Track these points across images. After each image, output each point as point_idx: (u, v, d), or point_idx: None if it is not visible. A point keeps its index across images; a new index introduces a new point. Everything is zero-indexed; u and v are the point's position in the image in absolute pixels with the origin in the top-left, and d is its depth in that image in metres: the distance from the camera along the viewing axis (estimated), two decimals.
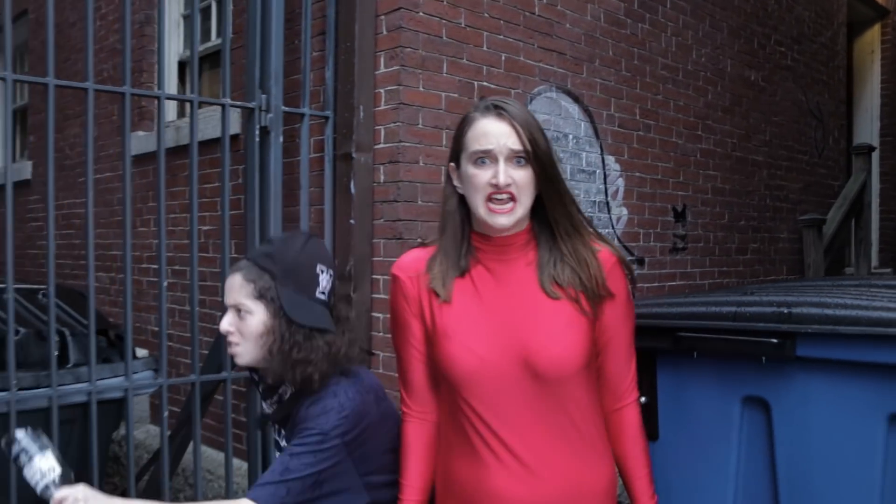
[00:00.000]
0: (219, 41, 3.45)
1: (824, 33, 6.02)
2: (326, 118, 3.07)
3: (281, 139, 2.93)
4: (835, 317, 1.95)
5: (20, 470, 1.66)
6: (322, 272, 1.79)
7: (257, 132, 2.89)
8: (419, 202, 3.04)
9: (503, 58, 3.31)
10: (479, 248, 1.65)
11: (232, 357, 1.80)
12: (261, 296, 1.72)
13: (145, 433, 4.35)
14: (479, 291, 1.64)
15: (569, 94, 3.60)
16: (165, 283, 2.77)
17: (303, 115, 2.99)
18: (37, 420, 2.56)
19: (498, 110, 1.57)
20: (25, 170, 6.09)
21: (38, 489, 1.64)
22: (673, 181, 4.29)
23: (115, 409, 2.97)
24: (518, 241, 1.64)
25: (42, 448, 1.68)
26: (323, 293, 1.79)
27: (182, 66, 4.66)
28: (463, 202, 1.64)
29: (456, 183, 1.64)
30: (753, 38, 5.02)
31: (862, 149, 6.21)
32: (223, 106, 2.85)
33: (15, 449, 1.68)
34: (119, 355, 2.98)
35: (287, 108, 2.95)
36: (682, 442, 2.32)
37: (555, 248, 1.63)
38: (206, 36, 4.54)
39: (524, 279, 1.63)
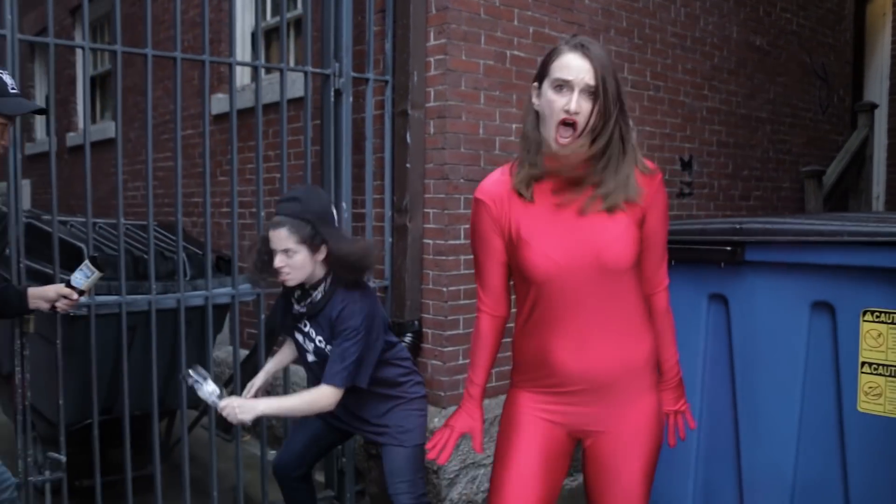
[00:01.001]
0: (283, 12, 4.09)
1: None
2: (386, 82, 3.77)
3: (350, 99, 3.63)
4: (773, 230, 2.63)
5: (194, 392, 2.53)
6: (335, 209, 2.68)
7: (332, 94, 3.60)
8: (461, 149, 3.74)
9: (531, 30, 3.97)
10: (550, 164, 1.93)
11: (283, 282, 2.60)
12: (303, 241, 2.49)
13: (227, 353, 5.13)
14: (553, 201, 1.95)
15: None
16: (237, 224, 3.51)
17: (367, 79, 3.68)
18: (166, 318, 3.35)
19: (583, 49, 1.82)
20: (109, 129, 6.84)
21: (209, 403, 2.52)
22: (680, 135, 4.92)
23: (222, 314, 3.74)
24: (584, 162, 1.91)
25: (205, 377, 2.52)
26: (338, 223, 2.69)
27: (253, 36, 5.35)
28: (538, 120, 1.90)
29: (535, 101, 1.90)
30: (759, 6, 5.57)
31: (864, 106, 6.73)
32: (305, 73, 3.56)
33: (190, 381, 2.52)
34: (224, 275, 3.74)
35: (355, 74, 3.65)
36: None
37: (612, 168, 1.90)
38: (275, 10, 5.23)
39: (587, 191, 1.93)
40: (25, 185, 8.29)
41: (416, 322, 3.77)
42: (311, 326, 2.66)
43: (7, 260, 3.48)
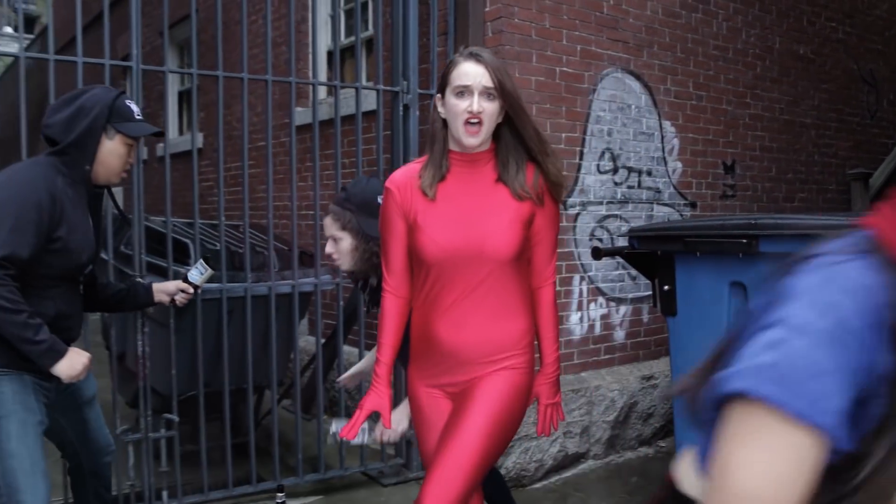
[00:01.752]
0: (357, 37, 4.60)
1: (881, 6, 6.74)
2: None
3: (417, 113, 4.12)
4: (782, 224, 3.01)
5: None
6: (380, 199, 2.63)
7: (401, 109, 4.10)
8: None
9: (578, 48, 4.40)
10: (454, 161, 2.17)
11: (337, 267, 2.93)
12: (344, 227, 2.59)
13: (304, 342, 5.67)
14: (451, 193, 2.16)
15: (631, 73, 4.66)
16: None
17: (431, 95, 4.17)
18: (259, 304, 3.87)
19: (477, 57, 2.09)
20: (197, 140, 7.48)
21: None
22: (723, 140, 5.28)
23: (305, 301, 4.26)
24: (482, 157, 2.17)
25: (368, 429, 2.55)
26: None
27: (329, 55, 5.90)
28: (445, 126, 2.14)
29: (441, 110, 2.15)
30: (802, 16, 5.87)
31: None
32: (378, 90, 4.07)
33: (357, 440, 2.50)
34: (307, 268, 4.27)
35: (421, 91, 4.13)
36: (692, 315, 3.40)
37: (511, 165, 2.16)
38: (349, 31, 5.77)
39: (484, 187, 2.17)
40: (118, 191, 9.04)
41: None
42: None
43: (123, 255, 4.08)
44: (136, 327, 3.58)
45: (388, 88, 4.11)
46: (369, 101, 4.43)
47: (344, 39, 5.92)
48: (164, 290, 3.12)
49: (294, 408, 4.17)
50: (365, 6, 5.37)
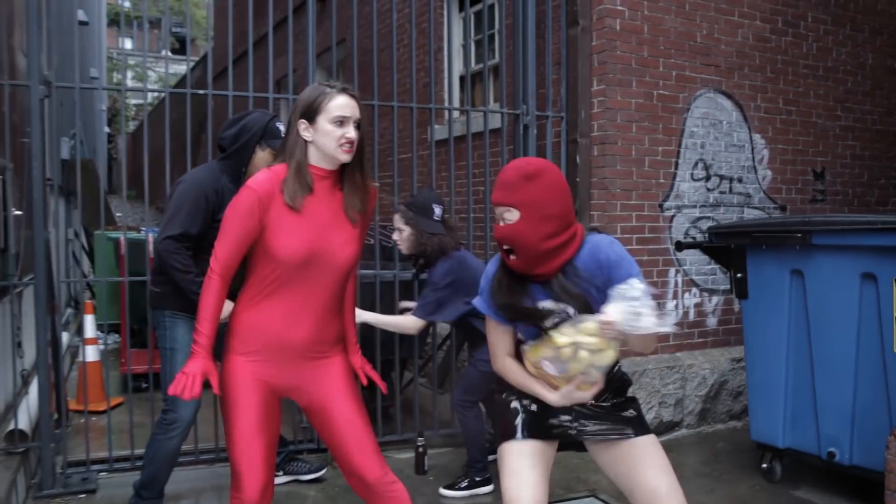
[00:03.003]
0: (485, 65, 5.48)
1: None
2: (562, 117, 5.07)
3: (535, 131, 4.96)
4: (831, 221, 3.68)
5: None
6: (435, 206, 3.97)
7: (522, 128, 4.95)
8: (617, 167, 4.97)
9: (674, 73, 5.13)
10: (316, 177, 2.39)
11: (401, 251, 4.05)
12: (407, 222, 3.90)
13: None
14: (310, 206, 2.38)
15: (723, 93, 5.34)
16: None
17: (547, 116, 5.00)
18: (387, 286, 4.77)
19: (349, 92, 2.39)
20: None
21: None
22: (812, 150, 5.84)
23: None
24: (335, 174, 2.43)
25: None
26: (437, 216, 3.97)
27: (461, 79, 6.82)
28: (305, 145, 2.38)
29: (306, 134, 2.38)
30: None
31: None
32: (502, 113, 4.95)
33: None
34: None
35: (538, 113, 4.97)
36: (761, 298, 4.09)
37: (352, 184, 2.44)
38: (478, 59, 6.67)
39: (334, 201, 2.43)
40: None
41: None
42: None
43: None
44: None
45: (511, 112, 4.98)
46: (495, 121, 5.30)
47: (473, 65, 6.83)
48: None
49: (430, 383, 5.06)
50: (491, 38, 6.26)
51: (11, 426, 4.14)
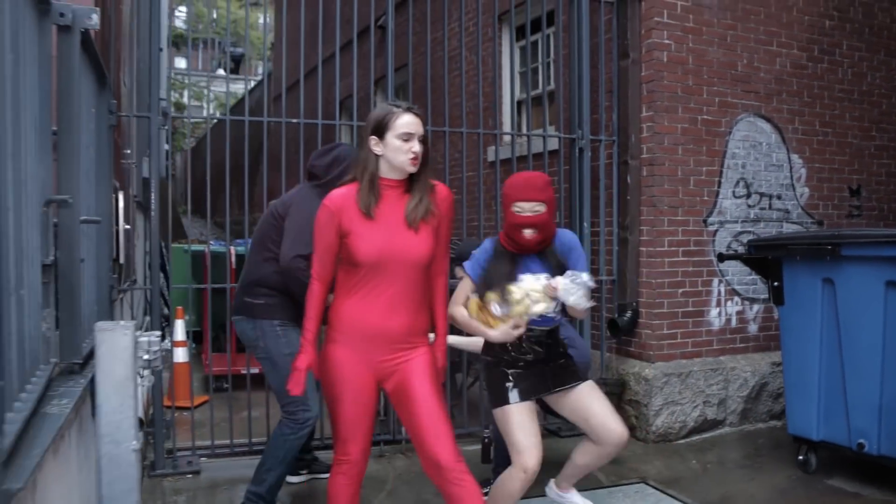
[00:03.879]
0: (543, 91, 6.02)
1: None
2: (614, 141, 5.57)
3: (589, 154, 5.47)
4: (857, 234, 4.14)
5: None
6: (474, 252, 4.30)
7: (577, 151, 5.46)
8: (665, 186, 5.45)
9: (717, 100, 5.60)
10: (384, 186, 2.75)
11: None
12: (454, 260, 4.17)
13: None
14: (382, 212, 2.73)
15: (762, 117, 5.80)
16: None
17: (601, 140, 5.51)
18: None
19: (413, 111, 2.73)
20: None
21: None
22: (848, 168, 6.25)
23: None
24: (403, 183, 2.77)
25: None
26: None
27: (518, 103, 7.35)
28: (376, 159, 2.74)
29: (377, 148, 2.73)
30: None
31: None
32: (559, 138, 5.46)
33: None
34: None
35: (592, 137, 5.48)
36: (795, 304, 4.53)
37: (421, 191, 2.76)
38: (534, 84, 7.20)
39: (404, 206, 2.75)
40: None
41: (635, 303, 5.50)
42: None
43: None
44: None
45: (567, 136, 5.49)
46: (552, 143, 5.82)
47: (526, 91, 7.37)
48: None
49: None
50: (547, 66, 6.78)
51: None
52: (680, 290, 5.52)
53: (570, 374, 3.38)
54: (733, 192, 5.72)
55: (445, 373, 2.99)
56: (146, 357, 1.34)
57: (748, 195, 5.78)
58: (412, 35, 5.39)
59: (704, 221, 5.61)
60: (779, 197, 5.91)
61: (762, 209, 5.85)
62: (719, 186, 5.65)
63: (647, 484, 4.50)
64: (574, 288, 2.97)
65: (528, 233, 3.11)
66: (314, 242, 2.80)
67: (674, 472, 4.74)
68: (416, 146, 2.69)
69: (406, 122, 2.70)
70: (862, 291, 4.15)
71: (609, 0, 5.55)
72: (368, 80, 5.30)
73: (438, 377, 2.88)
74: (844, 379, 4.29)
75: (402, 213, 2.74)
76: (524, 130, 6.85)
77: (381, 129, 2.72)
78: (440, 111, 6.51)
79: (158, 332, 1.39)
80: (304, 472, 4.55)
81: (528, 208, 3.09)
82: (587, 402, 3.34)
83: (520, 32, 7.18)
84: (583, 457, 3.48)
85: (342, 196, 2.75)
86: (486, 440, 4.89)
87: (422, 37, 7.31)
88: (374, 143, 2.73)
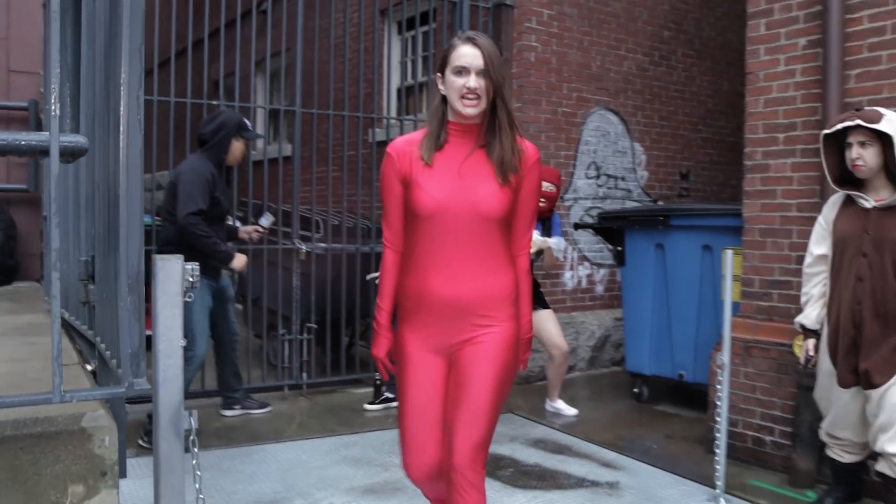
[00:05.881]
0: (422, 79, 6.81)
1: None
2: None
3: None
4: (682, 209, 5.19)
5: None
6: None
7: None
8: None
9: (574, 95, 6.59)
10: (451, 132, 2.33)
11: None
12: None
13: None
14: (447, 159, 2.32)
15: (611, 110, 6.84)
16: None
17: None
18: (357, 258, 6.05)
19: (473, 41, 2.26)
20: (286, 149, 9.59)
21: None
22: (680, 156, 7.42)
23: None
24: (476, 128, 2.32)
25: None
26: None
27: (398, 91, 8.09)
28: (444, 101, 2.32)
29: (441, 87, 2.32)
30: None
31: None
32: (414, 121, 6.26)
33: None
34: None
35: None
36: (634, 264, 5.55)
37: (498, 137, 2.29)
38: (415, 74, 7.95)
39: (477, 154, 2.32)
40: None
41: None
42: None
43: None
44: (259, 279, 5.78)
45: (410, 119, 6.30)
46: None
47: (403, 80, 8.12)
48: (244, 230, 5.11)
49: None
50: (426, 59, 7.56)
51: None
52: None
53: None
54: (586, 173, 6.72)
55: (530, 344, 2.58)
56: (190, 279, 1.87)
57: (598, 176, 6.81)
58: (302, 20, 6.00)
59: (561, 198, 6.58)
60: (623, 178, 6.98)
61: (609, 188, 6.90)
62: (574, 169, 6.64)
63: (515, 414, 5.39)
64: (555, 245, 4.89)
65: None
66: (383, 203, 2.43)
67: (535, 406, 5.66)
68: (471, 81, 2.24)
69: (461, 53, 2.27)
70: (685, 253, 5.21)
71: (486, 6, 6.40)
72: (249, 62, 5.83)
73: (516, 358, 2.46)
74: (670, 323, 5.35)
75: (473, 161, 2.32)
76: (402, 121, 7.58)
77: (442, 65, 2.33)
78: (326, 94, 7.12)
79: (196, 263, 1.90)
80: (237, 406, 5.13)
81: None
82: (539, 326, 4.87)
83: (409, 24, 7.90)
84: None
85: (405, 141, 2.40)
86: (378, 381, 5.64)
87: (308, 23, 7.87)
88: (439, 82, 2.35)
